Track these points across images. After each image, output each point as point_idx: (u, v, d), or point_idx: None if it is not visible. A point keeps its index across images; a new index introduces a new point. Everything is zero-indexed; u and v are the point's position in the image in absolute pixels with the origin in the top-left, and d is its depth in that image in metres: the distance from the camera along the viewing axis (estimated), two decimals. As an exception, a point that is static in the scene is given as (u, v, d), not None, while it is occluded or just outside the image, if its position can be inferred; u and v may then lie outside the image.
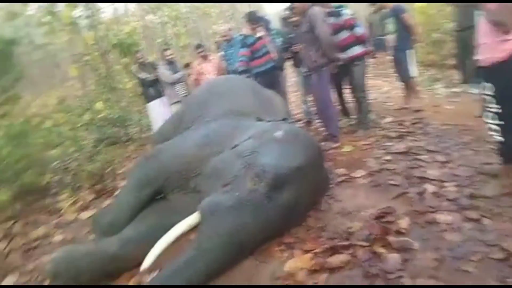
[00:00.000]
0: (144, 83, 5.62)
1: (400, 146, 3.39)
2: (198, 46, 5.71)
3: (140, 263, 2.28)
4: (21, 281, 2.51)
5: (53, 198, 4.18)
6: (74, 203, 3.88)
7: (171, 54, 5.61)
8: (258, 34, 4.53)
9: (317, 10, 3.72)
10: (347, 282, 1.74)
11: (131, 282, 2.19)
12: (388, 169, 2.97)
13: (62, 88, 14.80)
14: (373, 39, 5.70)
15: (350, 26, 3.98)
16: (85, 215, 3.51)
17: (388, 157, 3.20)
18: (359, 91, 4.14)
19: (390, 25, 4.60)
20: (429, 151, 3.21)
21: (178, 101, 5.50)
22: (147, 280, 2.12)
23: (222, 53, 5.78)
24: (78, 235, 3.10)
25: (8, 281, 2.53)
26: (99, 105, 6.49)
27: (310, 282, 1.78)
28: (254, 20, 4.60)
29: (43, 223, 3.51)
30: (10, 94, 5.02)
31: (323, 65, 3.80)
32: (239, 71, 4.47)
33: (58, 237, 3.14)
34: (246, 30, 4.63)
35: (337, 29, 3.95)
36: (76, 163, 5.24)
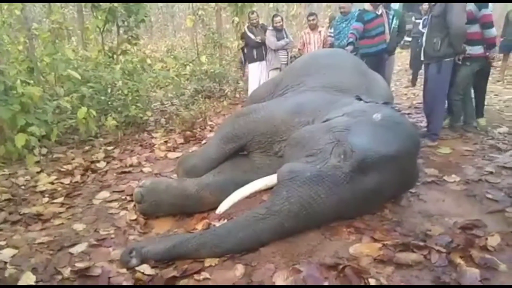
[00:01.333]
0: (250, 44, 5.75)
1: (509, 161, 2.99)
2: (310, 14, 5.61)
3: (212, 208, 2.47)
4: (112, 198, 2.86)
5: (148, 134, 4.62)
6: (165, 142, 4.25)
7: (279, 22, 5.61)
8: (378, 12, 4.26)
9: None
10: (413, 282, 1.65)
11: (201, 223, 2.36)
12: (488, 181, 2.66)
13: (174, 37, 15.96)
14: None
15: (485, 23, 3.52)
16: (173, 155, 3.83)
17: (491, 169, 2.86)
18: (455, 93, 3.78)
19: None
20: (543, 172, 2.79)
21: (277, 68, 5.54)
22: (216, 224, 2.29)
23: (331, 30, 5.60)
24: (164, 171, 3.40)
25: (102, 195, 2.90)
26: (203, 58, 6.84)
27: (373, 271, 1.71)
28: None
29: (137, 154, 3.92)
30: (133, 34, 5.54)
31: (446, 56, 3.45)
32: (347, 42, 4.24)
33: (147, 169, 3.49)
34: (367, 5, 4.34)
35: (471, 20, 3.52)
36: (173, 107, 5.70)
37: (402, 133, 2.12)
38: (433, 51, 3.46)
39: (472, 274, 1.67)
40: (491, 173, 2.82)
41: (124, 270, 1.90)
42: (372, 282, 1.62)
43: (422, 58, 3.61)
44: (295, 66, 3.49)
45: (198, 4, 8.30)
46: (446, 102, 3.93)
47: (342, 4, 5.02)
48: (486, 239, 1.92)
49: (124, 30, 5.75)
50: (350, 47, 4.11)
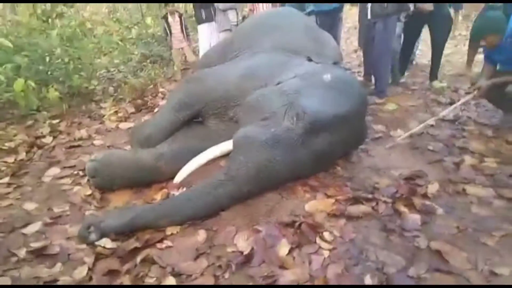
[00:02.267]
0: (197, 4, 5.48)
1: (447, 113, 3.22)
2: None
3: (169, 178, 2.46)
4: (63, 174, 2.73)
5: (96, 104, 4.39)
6: (116, 113, 4.07)
7: None
8: None
9: None
10: (363, 232, 1.79)
11: (160, 193, 2.35)
12: (430, 134, 2.87)
13: (114, -2, 14.81)
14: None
15: None
16: (125, 125, 3.69)
17: (432, 122, 3.07)
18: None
19: None
20: (477, 123, 3.06)
21: (227, 29, 5.38)
22: (175, 193, 2.29)
23: None
24: (116, 143, 3.28)
25: (52, 172, 2.76)
26: (148, 20, 6.47)
27: (327, 225, 1.84)
28: None
29: (86, 126, 3.73)
30: (67, -5, 5.06)
31: (393, 13, 3.54)
32: (307, 11, 4.19)
33: (98, 141, 3.34)
34: None
35: None
36: (120, 75, 5.42)
37: (351, 93, 2.21)
38: (380, 8, 3.53)
39: (414, 219, 1.86)
40: (432, 126, 3.04)
41: (83, 246, 1.87)
42: (326, 235, 1.74)
43: (368, 17, 3.66)
44: (245, 28, 3.42)
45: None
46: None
47: None
48: (427, 187, 2.12)
49: (58, -9, 5.24)
50: (312, 18, 4.10)
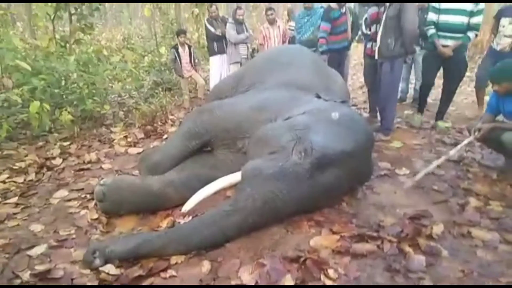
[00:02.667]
0: (211, 37, 5.70)
1: (452, 154, 3.25)
2: (269, 9, 5.65)
3: (176, 206, 2.49)
4: (71, 196, 2.77)
5: (107, 128, 4.49)
6: (125, 137, 4.16)
7: (242, 14, 5.60)
8: (343, 10, 4.37)
9: None
10: (368, 270, 1.79)
11: (166, 221, 2.37)
12: (434, 174, 2.90)
13: (129, 25, 15.37)
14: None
15: None
16: (134, 150, 3.76)
17: (437, 162, 3.10)
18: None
19: None
20: (482, 165, 3.08)
21: (238, 62, 5.56)
22: (181, 221, 2.32)
23: (291, 22, 5.69)
24: (124, 167, 3.34)
25: (60, 194, 2.80)
26: (162, 49, 6.68)
27: (332, 262, 1.84)
28: None
29: (96, 149, 3.80)
30: (87, 23, 5.29)
31: (399, 55, 3.66)
32: (320, 50, 4.31)
33: (107, 165, 3.40)
34: (333, 3, 4.40)
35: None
36: (132, 100, 5.56)
37: (358, 131, 2.27)
38: (387, 50, 3.65)
39: (419, 260, 1.85)
40: (437, 166, 3.06)
41: (87, 271, 1.88)
42: (331, 273, 1.74)
43: (376, 57, 3.79)
44: (257, 63, 3.54)
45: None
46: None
47: None
48: (432, 228, 2.12)
49: (77, 18, 5.48)
50: (324, 56, 4.24)
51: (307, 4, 4.88)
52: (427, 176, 2.87)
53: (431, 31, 3.75)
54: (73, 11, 5.36)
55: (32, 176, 3.08)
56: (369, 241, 2.00)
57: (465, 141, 2.94)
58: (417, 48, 4.24)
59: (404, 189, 2.68)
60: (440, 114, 4.17)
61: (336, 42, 4.41)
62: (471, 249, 1.97)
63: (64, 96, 4.23)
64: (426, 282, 1.70)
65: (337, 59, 4.40)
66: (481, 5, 3.46)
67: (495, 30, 4.00)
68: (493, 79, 2.87)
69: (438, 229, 2.12)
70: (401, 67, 3.78)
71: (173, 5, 7.70)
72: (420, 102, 4.29)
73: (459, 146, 2.92)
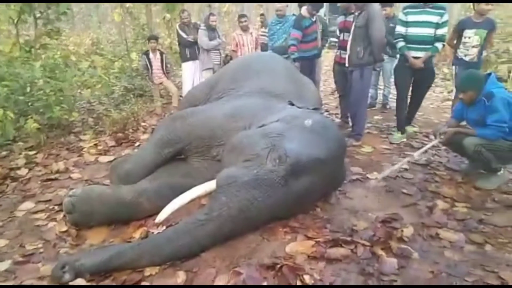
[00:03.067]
0: (183, 43, 5.65)
1: (419, 158, 3.38)
2: (242, 16, 5.67)
3: (149, 215, 2.44)
4: (38, 208, 2.66)
5: (76, 136, 4.34)
6: (95, 145, 4.03)
7: (215, 20, 5.58)
8: (314, 18, 4.45)
9: (377, 7, 3.66)
10: (342, 275, 1.82)
11: (139, 231, 2.32)
12: (404, 178, 3.00)
13: (99, 30, 14.98)
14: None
15: None
16: (104, 159, 3.65)
17: (406, 166, 3.21)
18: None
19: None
20: (448, 168, 3.22)
21: (210, 68, 5.53)
22: (155, 231, 2.27)
23: (263, 29, 5.74)
24: (94, 177, 3.24)
25: (25, 206, 2.68)
26: (133, 55, 6.55)
27: (308, 268, 1.86)
28: (317, 5, 4.43)
29: (64, 158, 3.66)
30: (53, 27, 5.11)
31: (368, 63, 3.77)
32: (292, 58, 4.32)
33: (76, 175, 3.28)
34: (304, 11, 4.43)
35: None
36: (102, 107, 5.41)
37: (331, 138, 2.31)
38: (357, 58, 3.76)
39: (391, 263, 1.91)
40: (406, 169, 3.18)
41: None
42: (306, 278, 1.75)
43: (346, 65, 3.89)
44: (230, 70, 3.55)
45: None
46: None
47: (278, 6, 4.99)
48: (402, 230, 2.19)
49: (43, 22, 5.28)
50: (297, 64, 4.26)
51: (280, 11, 4.93)
52: (397, 179, 2.97)
53: (401, 43, 3.82)
54: (38, 14, 5.17)
55: (-5, 188, 2.93)
56: (343, 245, 2.04)
57: (430, 144, 3.07)
58: (385, 56, 4.37)
59: (371, 190, 2.76)
60: (408, 120, 4.26)
61: (307, 50, 4.49)
62: (439, 250, 2.06)
63: (29, 104, 4.05)
64: (398, 284, 1.75)
65: (308, 66, 4.47)
66: (446, 17, 3.63)
67: (458, 41, 4.13)
68: (459, 87, 3.02)
69: (408, 231, 2.20)
70: (371, 74, 3.90)
71: (144, 10, 7.56)
72: (398, 118, 4.10)
73: (423, 149, 3.05)
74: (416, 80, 3.95)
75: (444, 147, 3.54)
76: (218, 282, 1.77)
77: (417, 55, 3.77)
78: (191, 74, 5.67)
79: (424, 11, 3.66)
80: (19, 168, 3.34)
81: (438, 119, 4.84)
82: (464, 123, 3.12)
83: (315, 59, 4.67)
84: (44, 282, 1.85)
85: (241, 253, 1.99)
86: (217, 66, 5.55)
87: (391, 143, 3.98)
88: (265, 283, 1.73)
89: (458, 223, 2.34)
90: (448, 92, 6.36)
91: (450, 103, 4.76)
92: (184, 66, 5.77)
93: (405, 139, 4.04)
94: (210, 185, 2.19)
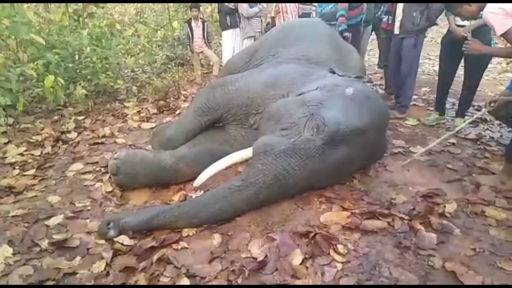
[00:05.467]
0: (223, 10, 5.57)
1: (471, 132, 3.19)
2: None
3: (188, 180, 2.52)
4: (86, 169, 2.83)
5: (120, 103, 4.52)
6: (138, 112, 4.18)
7: None
8: None
9: None
10: (377, 247, 1.79)
11: (178, 195, 2.41)
12: (450, 152, 2.85)
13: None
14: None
15: None
16: (147, 125, 3.79)
17: (453, 140, 3.04)
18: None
19: None
20: (500, 144, 3.01)
21: (251, 36, 5.44)
22: (193, 195, 2.35)
23: None
24: (137, 142, 3.38)
25: (75, 167, 2.86)
26: (175, 24, 6.58)
27: (342, 238, 1.85)
28: None
29: (110, 124, 3.84)
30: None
31: (425, 29, 3.51)
32: (340, 30, 4.10)
33: (120, 140, 3.44)
34: None
35: None
36: (145, 75, 5.55)
37: (372, 108, 2.22)
38: (412, 24, 3.48)
39: (430, 238, 1.84)
40: (453, 144, 3.01)
41: (102, 241, 1.94)
42: (340, 248, 1.75)
43: (397, 32, 3.62)
44: (271, 36, 3.46)
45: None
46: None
47: None
48: (444, 206, 2.10)
49: (90, -9, 5.41)
50: (347, 35, 4.05)
51: None
52: (442, 154, 2.83)
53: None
54: (86, -17, 5.29)
55: (48, 149, 3.14)
56: (380, 218, 1.99)
57: (478, 114, 2.83)
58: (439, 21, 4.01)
59: (417, 168, 2.64)
60: (461, 110, 3.56)
61: (352, 17, 4.26)
62: (484, 228, 1.95)
63: (78, 71, 4.25)
64: (436, 259, 1.70)
65: (353, 33, 4.25)
66: None
67: None
68: None
69: (451, 207, 2.10)
70: (422, 42, 3.62)
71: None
72: (438, 99, 3.65)
73: (470, 119, 2.82)
74: (467, 60, 3.29)
75: (498, 122, 3.30)
76: (252, 246, 1.81)
77: (464, 22, 3.10)
78: (232, 43, 5.62)
79: None
80: (69, 132, 3.55)
81: (494, 93, 4.48)
82: None
83: (361, 26, 4.42)
84: (92, 237, 1.99)
85: (275, 220, 2.02)
86: (258, 34, 5.44)
87: (423, 124, 3.55)
88: (298, 250, 1.75)
89: (507, 201, 2.19)
90: (507, 63, 5.85)
91: (508, 74, 4.38)
92: (224, 34, 5.71)
93: (443, 121, 3.55)
94: (247, 153, 2.20)
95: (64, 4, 5.43)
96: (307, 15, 5.56)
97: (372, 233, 1.89)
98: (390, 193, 2.29)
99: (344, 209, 2.09)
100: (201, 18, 5.71)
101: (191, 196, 2.34)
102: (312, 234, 1.84)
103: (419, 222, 1.96)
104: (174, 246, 1.86)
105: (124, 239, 1.91)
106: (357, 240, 1.84)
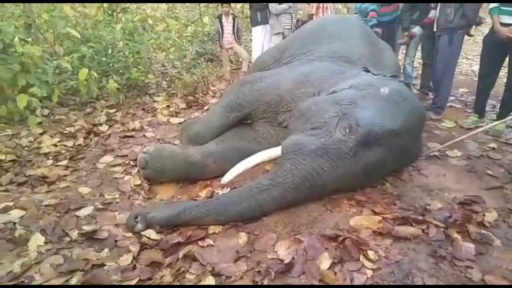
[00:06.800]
0: (255, 6, 5.53)
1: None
2: None
3: (215, 176, 2.50)
4: (116, 162, 2.87)
5: (150, 97, 4.58)
6: (168, 107, 4.22)
7: None
8: None
9: None
10: (411, 254, 1.71)
11: (205, 191, 2.40)
12: (489, 157, 2.69)
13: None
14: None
15: None
16: (175, 120, 3.82)
17: (493, 145, 2.87)
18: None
19: None
20: (545, 151, 2.82)
21: (280, 33, 5.38)
22: (220, 192, 2.33)
23: None
24: (166, 136, 3.40)
25: (106, 159, 2.91)
26: (205, 19, 6.60)
27: (372, 243, 1.77)
28: None
29: (139, 118, 3.89)
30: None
31: (459, 28, 3.36)
32: (370, 25, 4.03)
33: (149, 134, 3.48)
34: None
35: None
36: (175, 70, 5.60)
37: (408, 109, 2.12)
38: (446, 22, 3.35)
39: (468, 248, 1.74)
40: (493, 149, 2.85)
41: (130, 234, 1.96)
42: (371, 254, 1.67)
43: (434, 29, 3.48)
44: (302, 33, 3.39)
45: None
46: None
47: None
48: (484, 215, 1.98)
49: (124, -13, 5.52)
50: (377, 30, 3.97)
51: None
52: (481, 159, 2.68)
53: (493, 4, 3.07)
54: (120, -21, 5.40)
55: (80, 141, 3.22)
56: (413, 224, 1.90)
57: None
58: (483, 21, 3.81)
59: (453, 173, 2.50)
60: (502, 114, 3.29)
61: (387, 13, 4.12)
62: (527, 240, 1.83)
63: (110, 64, 4.34)
64: (474, 271, 1.60)
65: (387, 31, 4.11)
66: None
67: None
68: None
69: (490, 216, 1.98)
70: (461, 41, 3.44)
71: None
72: (478, 100, 3.48)
73: (507, 119, 2.64)
74: (511, 58, 3.14)
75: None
76: (279, 247, 1.77)
77: (509, 21, 2.98)
78: (261, 39, 5.57)
79: None
80: (101, 125, 3.62)
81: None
82: None
83: (395, 23, 4.27)
84: (120, 229, 2.01)
85: (303, 221, 1.96)
86: (287, 31, 5.37)
87: (461, 127, 3.38)
88: (326, 254, 1.69)
89: (552, 212, 2.05)
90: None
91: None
92: (254, 30, 5.67)
93: (482, 124, 3.29)
94: (276, 151, 2.16)
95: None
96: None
97: (405, 239, 1.81)
98: (424, 199, 2.19)
99: (375, 213, 2.01)
100: (232, 14, 5.69)
101: (218, 193, 2.32)
102: (341, 238, 1.78)
103: (456, 230, 1.85)
104: (200, 243, 1.85)
105: (151, 233, 1.92)
106: (388, 246, 1.76)
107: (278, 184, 1.96)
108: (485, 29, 3.23)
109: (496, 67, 3.27)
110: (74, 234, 1.95)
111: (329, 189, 2.08)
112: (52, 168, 2.71)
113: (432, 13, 3.71)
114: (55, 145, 3.09)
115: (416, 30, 3.91)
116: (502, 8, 3.02)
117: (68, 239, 1.92)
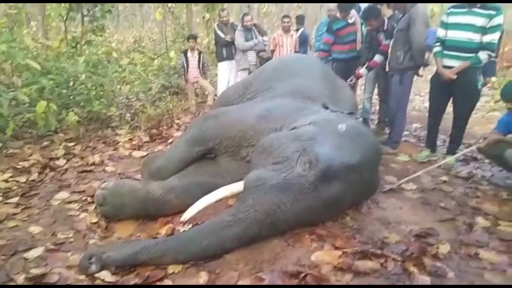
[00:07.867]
0: (220, 42, 5.70)
1: (463, 171, 3.19)
2: (285, 16, 5.65)
3: (177, 212, 2.45)
4: (72, 198, 2.74)
5: (112, 130, 4.48)
6: (130, 140, 4.14)
7: (249, 21, 5.59)
8: (350, 20, 4.33)
9: (420, 9, 3.49)
10: (370, 290, 1.73)
11: (165, 228, 2.33)
12: (442, 190, 2.83)
13: (141, 28, 15.50)
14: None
15: None
16: (138, 154, 3.74)
17: (445, 178, 3.03)
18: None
19: None
20: (492, 183, 3.01)
21: (246, 68, 5.54)
22: (181, 229, 2.27)
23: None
24: (127, 171, 3.31)
25: (61, 196, 2.77)
26: (172, 53, 6.69)
27: (333, 279, 1.78)
28: (346, 6, 4.30)
29: (100, 151, 3.78)
30: (99, 24, 5.31)
31: (409, 69, 3.62)
32: (326, 61, 4.32)
33: (110, 168, 3.37)
34: (338, 13, 4.38)
35: None
36: (139, 103, 5.56)
37: (365, 144, 2.21)
38: (397, 63, 3.61)
39: (423, 281, 1.78)
40: (445, 182, 3.01)
41: (83, 277, 1.85)
42: (331, 290, 1.68)
43: (386, 69, 3.75)
44: (265, 70, 3.51)
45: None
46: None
47: (331, 6, 4.86)
48: (438, 247, 2.05)
49: (89, 20, 5.52)
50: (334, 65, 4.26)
51: (331, 12, 4.82)
52: (434, 191, 2.81)
53: (436, 48, 3.32)
54: (85, 12, 5.40)
55: (34, 176, 3.06)
56: (372, 258, 1.93)
57: (467, 149, 2.86)
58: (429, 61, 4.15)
59: (409, 205, 2.61)
60: (451, 148, 3.50)
61: (343, 52, 4.37)
62: (478, 272, 1.90)
63: (71, 97, 4.24)
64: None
65: (344, 69, 4.34)
66: (497, 21, 2.99)
67: None
68: (505, 97, 2.80)
69: (444, 248, 2.05)
70: (411, 80, 3.71)
71: (185, 9, 7.73)
72: (429, 136, 3.68)
73: (459, 154, 2.84)
74: (455, 99, 3.36)
75: (488, 161, 3.32)
76: (240, 286, 1.73)
77: (451, 63, 3.21)
78: (227, 74, 5.71)
79: (470, 11, 3.06)
80: (58, 159, 3.47)
81: (483, 131, 4.54)
82: (511, 135, 2.89)
83: (354, 62, 4.52)
84: (72, 272, 1.90)
85: (265, 258, 1.94)
86: (253, 67, 5.55)
87: (415, 160, 3.56)
88: (288, 291, 1.67)
89: (501, 244, 2.15)
90: (495, 102, 5.99)
91: (496, 113, 4.47)
92: (220, 66, 5.82)
93: (435, 158, 3.55)
94: (238, 186, 2.16)
95: (63, 30, 5.52)
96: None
97: (365, 274, 1.83)
98: (382, 232, 2.24)
99: (336, 248, 2.03)
100: (197, 49, 5.82)
101: (178, 230, 2.27)
102: (302, 275, 1.77)
103: (412, 263, 1.90)
104: (158, 283, 1.78)
105: (106, 275, 1.82)
106: (349, 281, 1.77)
107: (240, 219, 1.95)
108: (434, 68, 3.49)
109: (442, 105, 3.51)
110: (21, 278, 1.81)
111: (291, 224, 2.08)
112: (1, 206, 2.55)
113: (377, 57, 4.00)
114: (6, 181, 2.92)
115: (362, 71, 4.17)
116: (445, 52, 3.28)
117: (13, 284, 1.78)
